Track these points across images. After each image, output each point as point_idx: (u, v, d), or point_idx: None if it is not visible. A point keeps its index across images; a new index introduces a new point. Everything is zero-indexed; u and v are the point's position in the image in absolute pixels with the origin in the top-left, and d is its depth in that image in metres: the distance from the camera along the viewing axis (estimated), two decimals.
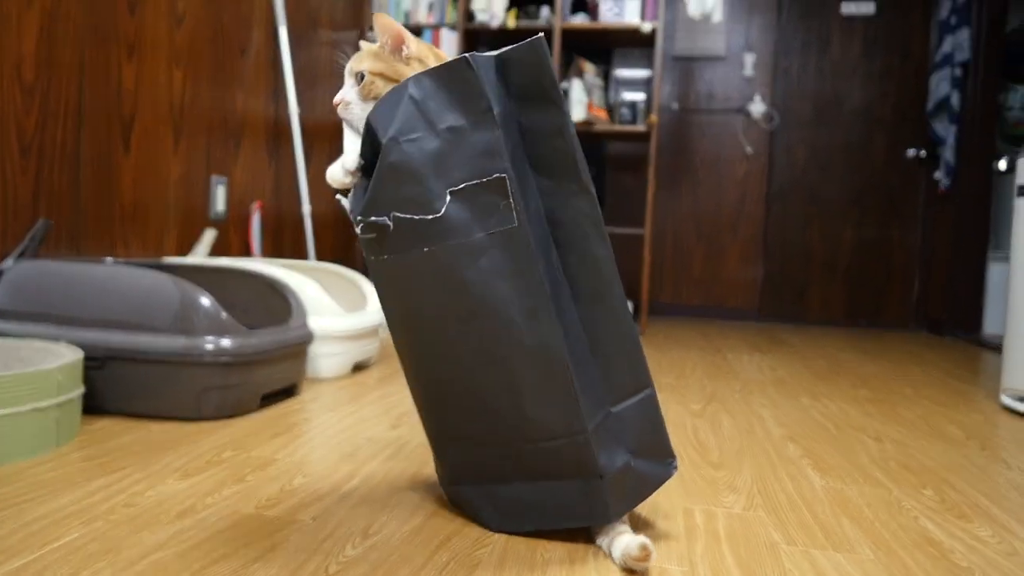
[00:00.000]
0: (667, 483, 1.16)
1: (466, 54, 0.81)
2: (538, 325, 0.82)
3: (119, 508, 0.94)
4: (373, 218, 0.83)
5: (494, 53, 0.84)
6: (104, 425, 1.33)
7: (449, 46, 3.47)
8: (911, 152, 4.01)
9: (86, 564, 0.78)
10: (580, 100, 3.32)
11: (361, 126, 0.90)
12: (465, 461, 0.93)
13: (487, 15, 3.44)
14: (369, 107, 0.89)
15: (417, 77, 0.83)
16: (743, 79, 4.16)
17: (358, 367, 2.00)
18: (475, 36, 3.58)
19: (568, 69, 3.50)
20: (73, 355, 1.26)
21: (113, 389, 1.40)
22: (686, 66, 4.19)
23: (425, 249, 0.82)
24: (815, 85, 4.12)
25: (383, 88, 0.90)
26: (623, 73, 3.52)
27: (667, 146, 4.24)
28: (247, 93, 2.58)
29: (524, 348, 0.82)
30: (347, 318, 1.90)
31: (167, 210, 2.19)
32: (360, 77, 0.92)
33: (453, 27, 3.48)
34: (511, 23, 3.41)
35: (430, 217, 0.81)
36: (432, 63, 0.91)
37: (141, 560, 0.80)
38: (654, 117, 3.28)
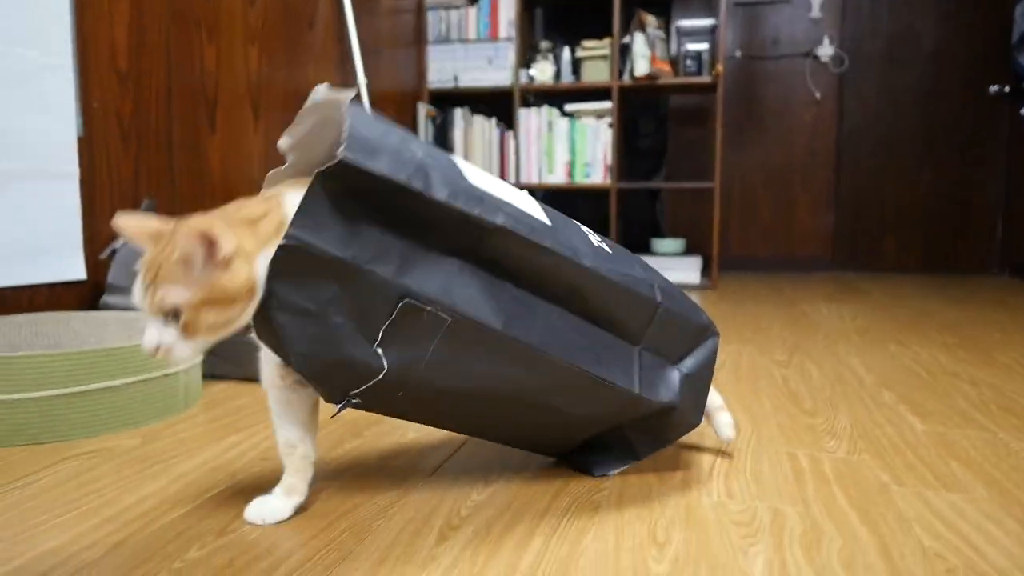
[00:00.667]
0: (766, 431, 1.18)
1: (286, 236, 0.68)
2: (539, 365, 0.82)
3: (257, 462, 1.02)
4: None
5: (318, 181, 0.70)
6: (221, 389, 1.42)
7: (507, 10, 3.45)
8: (993, 89, 3.81)
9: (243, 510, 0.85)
10: (643, 54, 3.27)
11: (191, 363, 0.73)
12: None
13: None
14: (207, 339, 0.72)
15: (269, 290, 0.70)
16: (810, 21, 4.02)
17: None
18: None
19: (629, 23, 3.44)
20: None
21: (224, 356, 1.49)
22: (750, 11, 4.07)
23: (400, 394, 0.80)
24: (887, 23, 3.95)
25: (219, 316, 0.70)
26: (685, 23, 3.44)
27: (731, 95, 4.14)
28: (316, 66, 2.63)
29: (547, 385, 0.85)
30: None
31: (253, 186, 2.27)
32: (173, 314, 0.69)
33: None
34: None
35: (380, 376, 0.76)
36: (251, 244, 0.71)
37: None
38: (720, 67, 3.21)
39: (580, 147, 3.46)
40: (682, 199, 4.24)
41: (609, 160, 3.41)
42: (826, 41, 3.98)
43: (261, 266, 0.71)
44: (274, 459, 1.04)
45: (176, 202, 1.95)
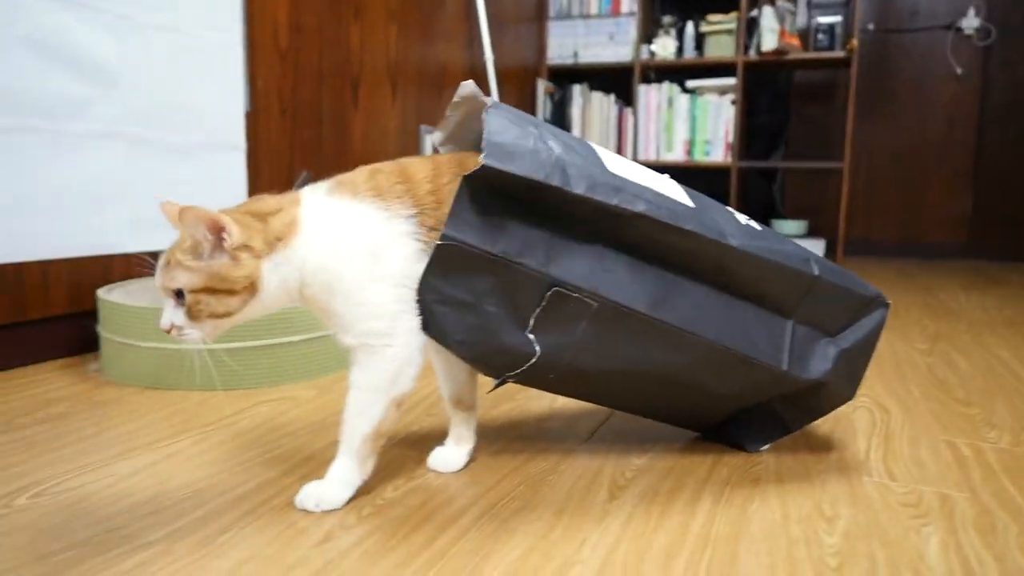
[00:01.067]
0: (919, 418, 1.16)
1: (442, 236, 0.75)
2: (685, 346, 0.85)
3: (423, 416, 1.10)
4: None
5: (466, 184, 0.75)
6: None
7: None
8: None
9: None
10: (772, 28, 3.17)
11: (204, 345, 0.77)
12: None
13: None
14: (214, 325, 0.75)
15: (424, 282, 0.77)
16: None
17: None
18: None
19: None
20: None
21: None
22: None
23: (551, 375, 0.86)
24: None
25: (218, 304, 0.73)
26: None
27: (861, 71, 3.95)
28: (447, 44, 2.70)
29: (693, 363, 0.88)
30: None
31: (387, 159, 2.38)
32: (179, 295, 0.73)
33: None
34: None
35: (533, 360, 0.82)
36: (259, 243, 0.74)
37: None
38: (855, 41, 3.07)
39: (701, 124, 3.40)
40: (802, 179, 4.09)
41: (731, 138, 3.34)
42: (971, 12, 3.72)
43: (267, 267, 0.75)
44: (438, 414, 1.11)
45: (324, 175, 2.07)
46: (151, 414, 1.10)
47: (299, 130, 1.96)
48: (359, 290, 0.77)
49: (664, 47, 3.42)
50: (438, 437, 0.96)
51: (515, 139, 0.77)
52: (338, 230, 0.77)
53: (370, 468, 0.82)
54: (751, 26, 3.27)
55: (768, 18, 3.18)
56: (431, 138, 0.90)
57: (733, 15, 3.30)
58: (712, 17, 3.36)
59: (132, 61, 1.48)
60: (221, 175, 1.70)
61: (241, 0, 1.72)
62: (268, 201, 0.79)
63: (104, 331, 1.29)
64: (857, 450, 1.01)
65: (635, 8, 3.42)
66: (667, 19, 3.46)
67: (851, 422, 1.13)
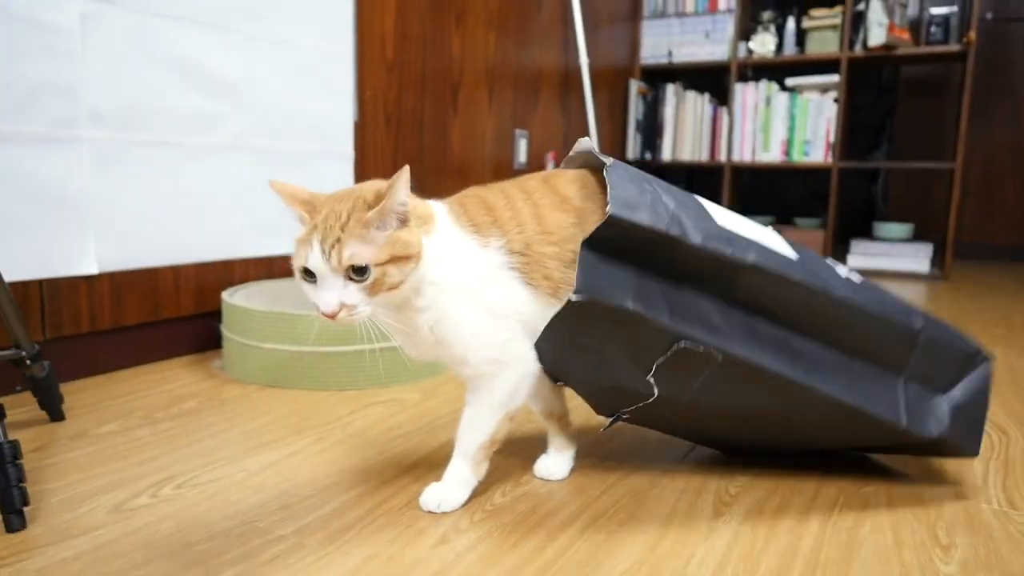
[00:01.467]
0: None
1: (576, 292, 0.76)
2: (799, 396, 0.85)
3: (524, 423, 1.14)
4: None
5: (586, 242, 0.78)
6: None
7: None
8: None
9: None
10: (880, 22, 3.03)
11: (368, 325, 0.75)
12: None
13: None
14: (384, 297, 0.74)
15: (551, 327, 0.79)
16: None
17: None
18: None
19: None
20: None
21: None
22: None
23: (667, 412, 0.89)
24: None
25: (397, 275, 0.73)
26: None
27: (978, 64, 3.72)
28: (543, 47, 2.73)
29: (806, 414, 0.87)
30: None
31: (483, 163, 2.43)
32: (358, 271, 0.71)
33: None
34: None
35: (650, 400, 0.85)
36: (423, 209, 0.78)
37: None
38: (972, 34, 2.90)
39: (800, 123, 3.30)
40: (907, 179, 3.90)
41: (832, 137, 3.22)
42: None
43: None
44: (536, 422, 1.14)
45: (424, 178, 2.15)
46: (272, 412, 1.18)
47: (402, 138, 2.03)
48: (469, 323, 0.79)
49: (763, 44, 3.34)
50: (541, 442, 0.99)
51: (636, 194, 0.80)
52: (454, 257, 0.79)
53: (483, 472, 0.86)
54: (857, 20, 3.14)
55: (876, 11, 3.04)
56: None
57: (838, 9, 3.18)
58: (815, 12, 3.25)
59: (255, 77, 1.57)
60: (331, 183, 1.79)
61: (352, 13, 1.81)
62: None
63: (227, 332, 1.39)
64: (973, 475, 0.98)
65: (733, 5, 3.34)
66: (767, 15, 3.37)
67: None
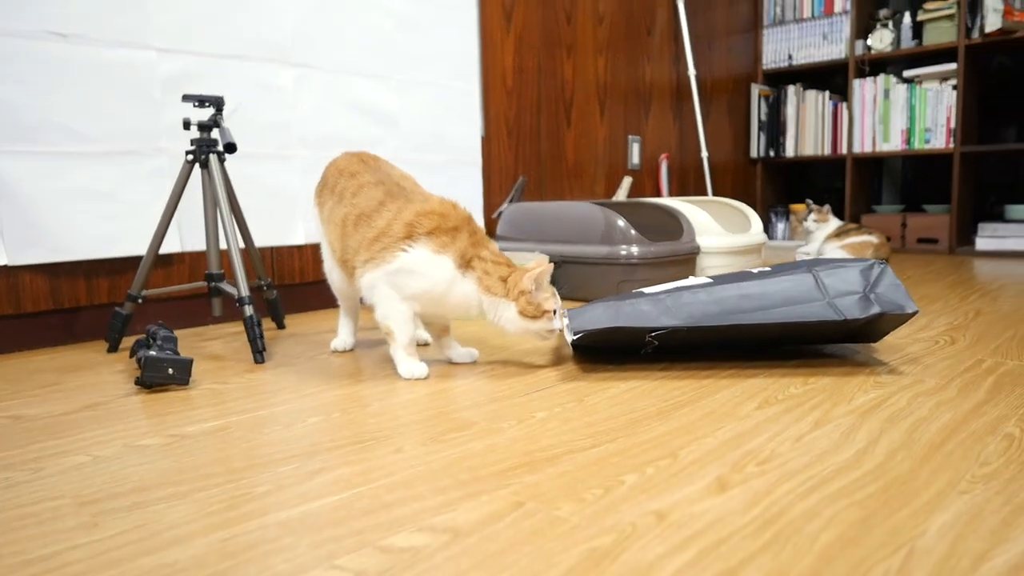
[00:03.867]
0: None
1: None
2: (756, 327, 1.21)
3: None
4: None
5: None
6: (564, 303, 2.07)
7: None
8: None
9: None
10: (995, 7, 3.12)
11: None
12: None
13: None
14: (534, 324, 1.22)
15: None
16: None
17: None
18: None
19: None
20: (543, 258, 2.02)
21: (565, 281, 2.14)
22: None
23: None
24: None
25: (534, 310, 1.21)
26: None
27: None
28: (653, 64, 3.18)
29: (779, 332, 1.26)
30: (729, 237, 2.37)
31: (596, 165, 2.93)
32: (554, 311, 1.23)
33: None
34: None
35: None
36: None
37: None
38: None
39: (920, 112, 3.41)
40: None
41: (953, 124, 3.31)
42: None
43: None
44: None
45: (543, 179, 2.69)
46: None
47: (521, 147, 2.59)
48: None
49: (880, 40, 3.50)
50: None
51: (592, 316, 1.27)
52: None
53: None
54: (973, 7, 3.23)
55: None
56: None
57: (952, 0, 3.28)
58: (930, 4, 3.37)
59: (407, 109, 2.21)
60: (464, 184, 2.39)
61: (478, 56, 2.40)
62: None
63: None
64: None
65: (848, 6, 3.55)
66: (883, 12, 3.53)
67: None
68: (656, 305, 1.26)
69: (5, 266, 1.52)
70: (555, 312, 1.23)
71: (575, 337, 1.25)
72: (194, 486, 0.79)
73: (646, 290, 1.35)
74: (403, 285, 1.21)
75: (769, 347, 1.40)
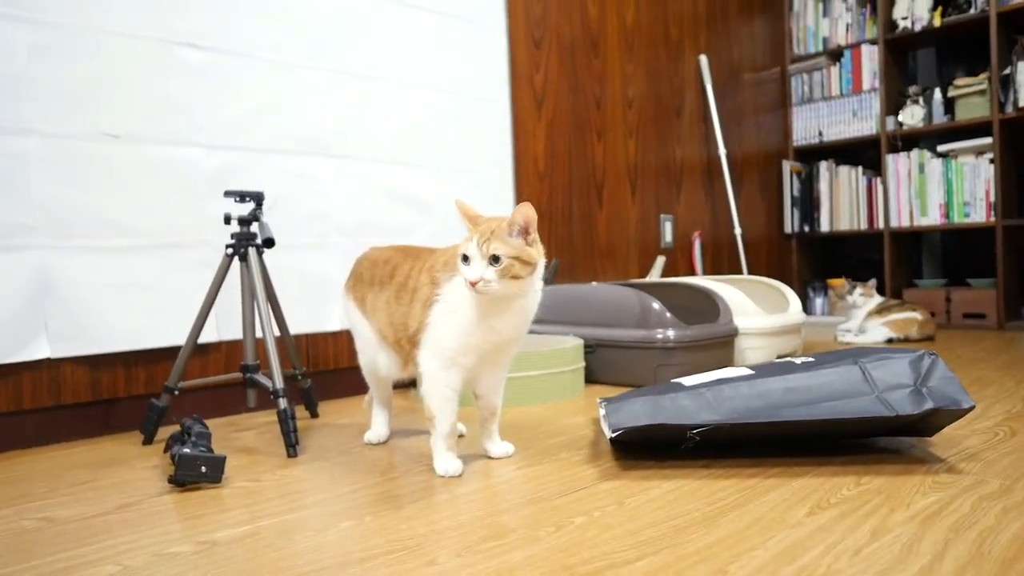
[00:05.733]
0: None
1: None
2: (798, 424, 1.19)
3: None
4: None
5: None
6: (596, 388, 2.03)
7: (870, 61, 3.60)
8: None
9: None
10: None
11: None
12: None
13: (909, 20, 3.47)
14: (507, 287, 1.09)
15: None
16: None
17: (781, 359, 2.39)
18: (897, 45, 3.62)
19: (1011, 52, 3.28)
20: (578, 342, 2.00)
21: (600, 366, 2.11)
22: None
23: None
24: None
25: (519, 269, 1.09)
26: None
27: None
28: (683, 145, 3.21)
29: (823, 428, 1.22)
30: (767, 318, 2.33)
31: (629, 245, 2.93)
32: (494, 259, 1.07)
33: (873, 41, 3.59)
34: (936, 21, 3.38)
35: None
36: (541, 247, 1.15)
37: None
38: None
39: (957, 186, 3.37)
40: None
41: (992, 197, 3.26)
42: None
43: (541, 263, 1.16)
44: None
45: (576, 260, 2.69)
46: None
47: (554, 229, 2.61)
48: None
49: (912, 116, 3.50)
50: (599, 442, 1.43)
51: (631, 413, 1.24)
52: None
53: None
54: (1005, 83, 3.23)
55: (1023, 73, 3.12)
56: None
57: (983, 76, 3.29)
58: (960, 81, 3.38)
59: (442, 194, 2.25)
60: None
61: (511, 142, 2.45)
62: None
63: None
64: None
65: (877, 84, 3.57)
66: (913, 89, 3.55)
67: None
68: (696, 400, 1.22)
69: (48, 359, 1.54)
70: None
71: (614, 434, 1.21)
72: None
73: (685, 381, 1.32)
74: (454, 328, 1.19)
75: (815, 441, 1.34)
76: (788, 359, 1.35)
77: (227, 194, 1.50)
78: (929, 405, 1.14)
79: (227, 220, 1.49)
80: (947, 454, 1.24)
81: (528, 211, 1.10)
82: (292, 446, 1.38)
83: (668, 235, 3.11)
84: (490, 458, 1.32)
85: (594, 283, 2.57)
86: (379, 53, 2.11)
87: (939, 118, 3.45)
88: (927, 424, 1.21)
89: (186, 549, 0.92)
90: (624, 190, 2.91)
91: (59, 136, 1.55)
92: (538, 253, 1.15)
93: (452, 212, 2.33)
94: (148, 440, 1.53)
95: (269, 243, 1.43)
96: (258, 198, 1.52)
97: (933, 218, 3.44)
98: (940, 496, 1.02)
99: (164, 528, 1.00)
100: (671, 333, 2.00)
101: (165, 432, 1.63)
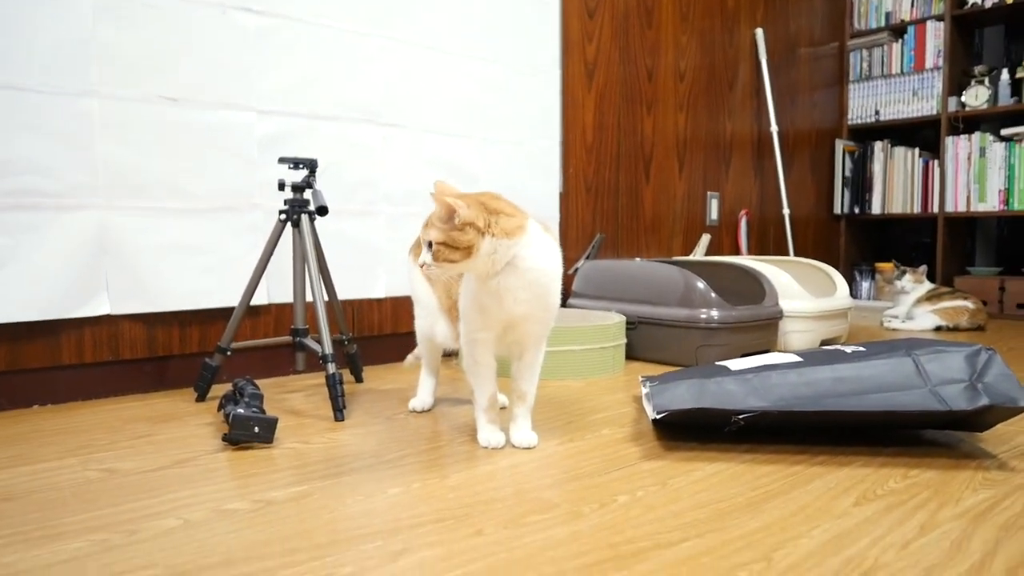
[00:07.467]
0: None
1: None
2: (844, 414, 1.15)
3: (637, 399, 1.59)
4: None
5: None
6: (636, 365, 2.04)
7: (935, 38, 3.46)
8: None
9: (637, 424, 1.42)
10: None
11: (440, 284, 1.28)
12: None
13: None
14: (445, 268, 1.09)
15: None
16: None
17: (825, 343, 2.36)
18: (965, 22, 3.47)
19: None
20: (620, 318, 2.00)
21: (641, 343, 2.11)
22: None
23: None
24: None
25: (449, 253, 1.07)
26: None
27: None
28: (734, 120, 3.14)
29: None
30: (813, 301, 2.29)
31: (674, 221, 2.89)
32: (430, 244, 1.08)
33: (940, 17, 3.45)
34: None
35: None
36: (481, 223, 1.07)
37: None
38: None
39: (1020, 172, 3.25)
40: None
41: None
42: None
43: (486, 242, 1.07)
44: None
45: (619, 235, 2.67)
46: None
47: (599, 202, 2.59)
48: (556, 302, 1.22)
49: (976, 97, 3.37)
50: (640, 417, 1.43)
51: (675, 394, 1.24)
52: (552, 256, 1.19)
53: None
54: None
55: None
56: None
57: None
58: None
59: (489, 165, 2.25)
60: None
61: (560, 114, 2.43)
62: (503, 204, 1.13)
63: None
64: None
65: (940, 62, 3.44)
66: (979, 69, 3.41)
67: None
68: (743, 385, 1.21)
69: (108, 315, 1.60)
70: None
71: (659, 415, 1.22)
72: (280, 561, 0.79)
73: (731, 365, 1.31)
74: (468, 301, 1.20)
75: (861, 430, 1.33)
76: (838, 347, 1.34)
77: (281, 160, 1.52)
78: (984, 402, 1.11)
79: (281, 186, 1.51)
80: (998, 450, 1.22)
81: (440, 201, 1.07)
82: (340, 410, 1.41)
83: (714, 212, 3.06)
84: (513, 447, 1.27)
85: (638, 259, 2.55)
86: (430, 21, 2.10)
87: (1005, 100, 3.32)
88: (980, 420, 1.19)
89: (243, 506, 0.96)
90: (672, 165, 2.87)
91: (120, 98, 1.58)
92: (475, 235, 1.08)
93: (497, 183, 2.34)
94: (201, 398, 1.58)
95: (323, 211, 1.45)
96: (312, 165, 1.54)
97: (991, 204, 3.33)
98: (991, 493, 1.01)
99: (220, 485, 1.04)
100: (715, 313, 1.98)
101: (218, 390, 1.68)
